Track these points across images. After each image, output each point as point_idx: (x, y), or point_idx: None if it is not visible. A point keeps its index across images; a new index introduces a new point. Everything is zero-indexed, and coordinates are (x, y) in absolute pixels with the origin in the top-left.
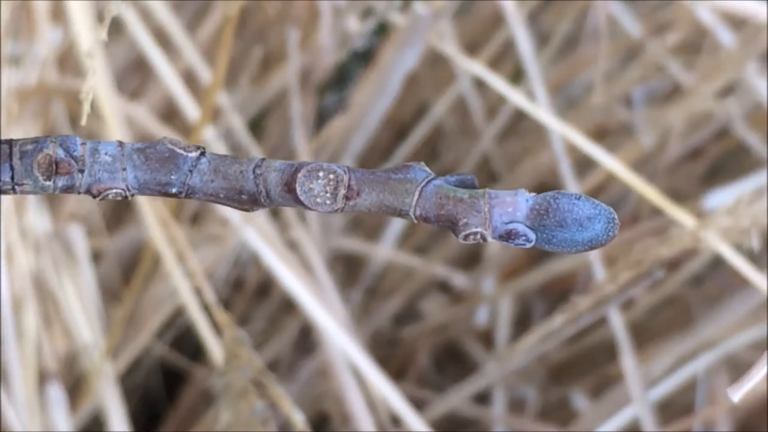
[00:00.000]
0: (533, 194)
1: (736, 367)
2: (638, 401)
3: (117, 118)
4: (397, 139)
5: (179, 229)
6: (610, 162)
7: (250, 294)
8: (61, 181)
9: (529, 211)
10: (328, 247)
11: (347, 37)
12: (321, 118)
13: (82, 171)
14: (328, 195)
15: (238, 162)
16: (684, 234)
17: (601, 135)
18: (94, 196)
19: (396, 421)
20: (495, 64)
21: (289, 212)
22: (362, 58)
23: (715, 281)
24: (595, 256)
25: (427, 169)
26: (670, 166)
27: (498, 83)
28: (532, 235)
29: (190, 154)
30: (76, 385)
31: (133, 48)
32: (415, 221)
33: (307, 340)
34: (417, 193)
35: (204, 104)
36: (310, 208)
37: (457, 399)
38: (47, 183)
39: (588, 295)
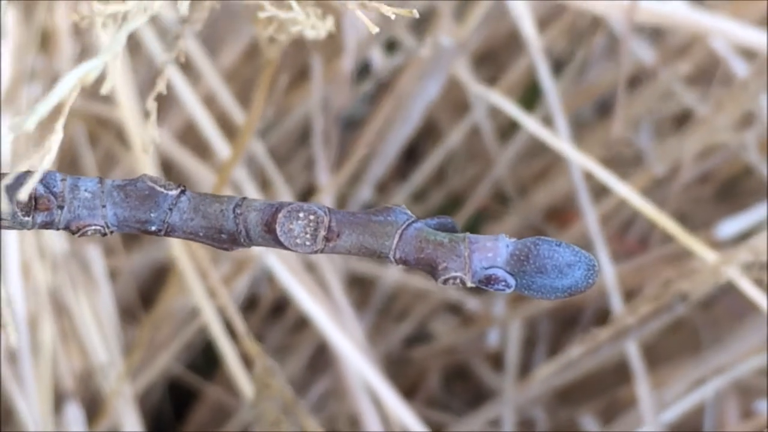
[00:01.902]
0: (513, 240)
1: (745, 393)
2: (651, 425)
3: (145, 146)
4: (408, 158)
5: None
6: (624, 189)
7: (264, 312)
8: (40, 217)
9: (509, 257)
10: (344, 269)
11: (366, 66)
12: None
13: (61, 207)
14: (308, 236)
15: (219, 201)
16: (705, 269)
17: (612, 160)
18: (73, 233)
19: None
20: (508, 86)
21: None
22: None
23: (723, 305)
24: (609, 283)
25: (408, 211)
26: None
27: (514, 111)
28: (511, 281)
29: (170, 192)
30: (92, 404)
31: (151, 66)
32: (395, 264)
33: (320, 359)
34: (397, 236)
35: (236, 145)
36: (289, 249)
37: (471, 425)
38: (26, 219)
39: (607, 327)
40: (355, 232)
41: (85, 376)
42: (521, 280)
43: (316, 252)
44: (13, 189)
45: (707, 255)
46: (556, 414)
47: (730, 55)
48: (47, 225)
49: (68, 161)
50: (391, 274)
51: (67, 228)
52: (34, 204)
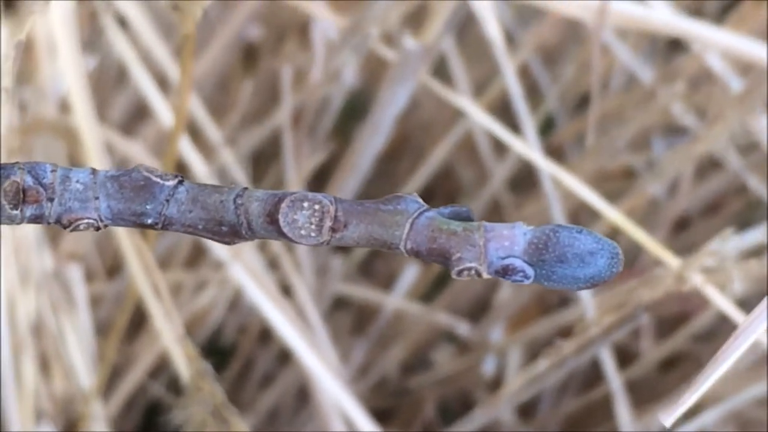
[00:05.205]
0: (531, 227)
1: (744, 424)
2: None
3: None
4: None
5: (161, 276)
6: (608, 210)
7: (253, 338)
8: (29, 211)
9: (527, 246)
10: (328, 293)
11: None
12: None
13: (51, 200)
14: (312, 227)
15: (218, 191)
16: (667, 275)
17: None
18: (65, 227)
19: None
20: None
21: (285, 257)
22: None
23: (725, 336)
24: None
25: (420, 200)
26: (687, 219)
27: (497, 128)
28: (530, 271)
29: (167, 183)
30: (71, 428)
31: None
32: (406, 255)
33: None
34: (408, 226)
35: (176, 109)
36: (293, 241)
37: None
38: (14, 212)
39: (571, 339)
40: (363, 222)
41: (68, 402)
42: (540, 270)
43: (321, 244)
44: None
45: (671, 261)
46: None
47: (725, 70)
48: (37, 219)
49: None
50: (386, 301)
51: (58, 222)
52: (22, 196)
